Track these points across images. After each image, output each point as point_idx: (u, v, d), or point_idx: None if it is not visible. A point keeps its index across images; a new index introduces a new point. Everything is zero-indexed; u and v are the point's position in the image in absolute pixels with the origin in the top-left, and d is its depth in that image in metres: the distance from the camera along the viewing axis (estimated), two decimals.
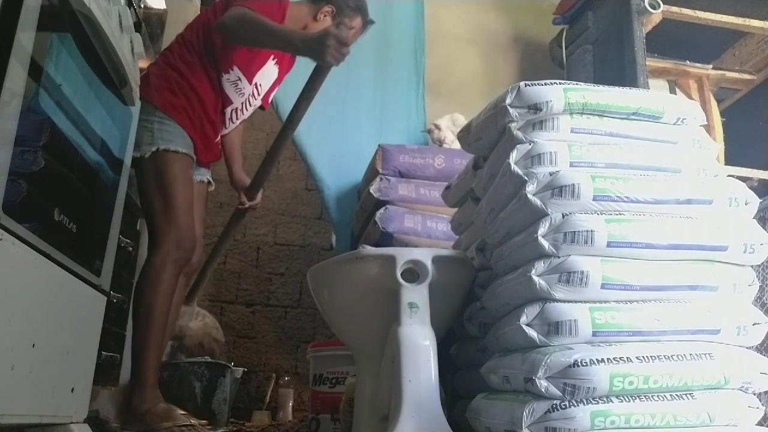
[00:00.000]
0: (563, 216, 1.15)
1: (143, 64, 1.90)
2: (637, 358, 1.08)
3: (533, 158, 1.23)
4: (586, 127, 1.29)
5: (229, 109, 2.02)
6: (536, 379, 1.07)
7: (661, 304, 1.16)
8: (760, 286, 1.29)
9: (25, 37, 1.00)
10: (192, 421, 1.72)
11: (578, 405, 1.05)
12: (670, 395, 1.09)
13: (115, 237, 1.54)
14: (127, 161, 1.66)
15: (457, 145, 2.48)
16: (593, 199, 1.17)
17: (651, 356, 1.09)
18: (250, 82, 2.03)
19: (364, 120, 2.88)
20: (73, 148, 1.26)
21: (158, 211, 1.82)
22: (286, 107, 2.70)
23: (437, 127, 2.76)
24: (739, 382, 1.14)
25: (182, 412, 1.76)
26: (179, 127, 1.85)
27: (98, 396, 1.98)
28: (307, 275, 1.64)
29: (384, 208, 2.24)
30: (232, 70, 1.95)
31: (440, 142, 2.73)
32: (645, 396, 1.08)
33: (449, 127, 2.71)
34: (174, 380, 2.32)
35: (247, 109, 2.09)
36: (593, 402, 1.06)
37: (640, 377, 1.07)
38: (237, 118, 2.08)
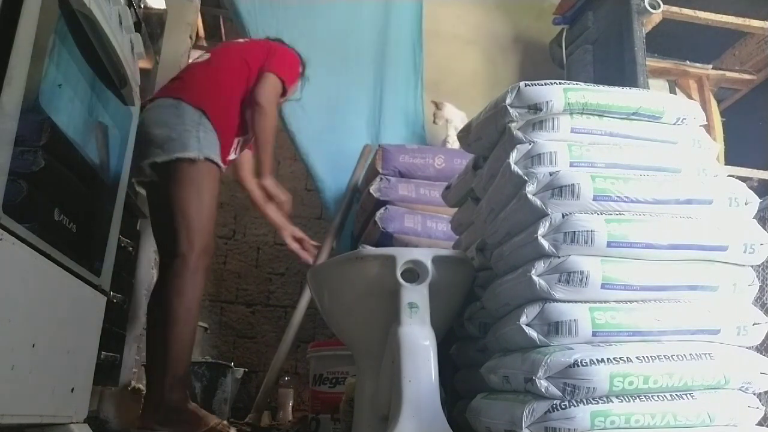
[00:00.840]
0: (563, 216, 1.15)
1: (143, 64, 1.91)
2: (637, 358, 1.08)
3: (533, 158, 1.23)
4: (586, 127, 1.29)
5: (240, 138, 2.10)
6: (536, 379, 1.07)
7: (661, 304, 1.16)
8: (760, 286, 1.29)
9: (25, 37, 1.00)
10: (221, 422, 1.79)
11: (578, 405, 1.05)
12: (670, 395, 1.09)
13: (115, 237, 1.54)
14: (128, 161, 1.66)
15: (458, 145, 2.48)
16: (593, 199, 1.17)
17: (651, 356, 1.09)
18: None
19: (363, 120, 2.89)
20: (73, 148, 1.26)
21: (193, 218, 1.86)
22: (288, 108, 2.71)
23: (438, 106, 2.77)
24: (739, 382, 1.14)
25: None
26: (218, 142, 1.92)
27: (102, 396, 1.99)
28: (307, 275, 1.64)
29: (384, 208, 2.24)
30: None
31: (436, 119, 2.76)
32: (645, 396, 1.08)
33: (454, 121, 2.71)
34: None
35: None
36: (593, 402, 1.06)
37: (640, 377, 1.07)
38: (239, 151, 2.17)
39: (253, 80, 2.04)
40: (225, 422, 1.80)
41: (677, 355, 1.10)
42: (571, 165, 1.23)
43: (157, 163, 1.84)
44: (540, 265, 1.15)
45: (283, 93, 2.11)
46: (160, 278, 1.87)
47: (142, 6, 2.05)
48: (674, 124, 1.36)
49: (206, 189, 1.88)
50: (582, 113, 1.30)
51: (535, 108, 1.27)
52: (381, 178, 2.31)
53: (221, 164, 1.93)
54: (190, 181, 1.86)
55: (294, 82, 2.21)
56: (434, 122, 2.81)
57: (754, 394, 1.18)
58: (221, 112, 1.95)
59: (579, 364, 1.05)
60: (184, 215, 1.85)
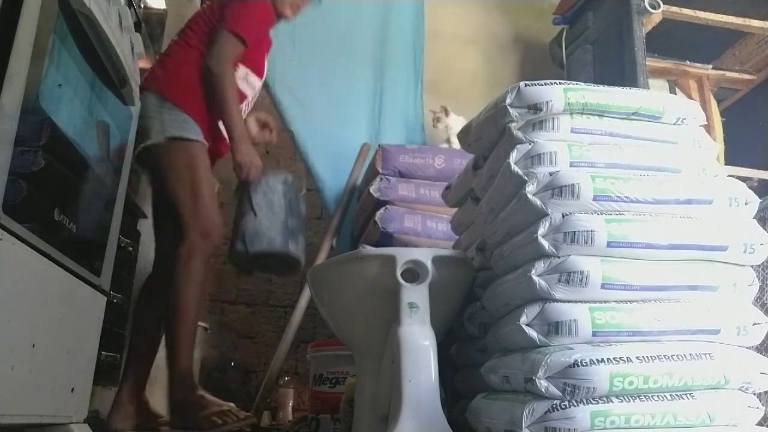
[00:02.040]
0: (563, 216, 1.15)
1: (143, 64, 1.91)
2: (637, 358, 1.07)
3: (533, 158, 1.23)
4: (586, 127, 1.29)
5: (243, 105, 2.04)
6: (536, 379, 1.07)
7: (661, 304, 1.16)
8: (760, 286, 1.29)
9: (25, 37, 1.00)
10: (224, 406, 1.74)
11: (578, 405, 1.05)
12: (670, 395, 1.09)
13: (115, 237, 1.54)
14: (128, 161, 1.66)
15: (458, 145, 2.48)
16: (593, 199, 1.17)
17: (651, 356, 1.08)
18: (261, 77, 2.08)
19: (363, 120, 2.89)
20: (73, 148, 1.26)
21: (182, 202, 1.81)
22: (288, 108, 2.72)
23: (446, 112, 2.76)
24: (739, 382, 1.14)
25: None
26: (188, 116, 1.85)
27: (102, 396, 1.99)
28: (307, 275, 1.64)
29: (384, 208, 2.24)
30: (238, 68, 1.97)
31: (436, 122, 2.75)
32: (645, 396, 1.08)
33: (454, 129, 2.71)
34: None
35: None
36: (593, 402, 1.06)
37: (640, 377, 1.07)
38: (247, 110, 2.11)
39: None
40: (231, 405, 1.76)
41: (677, 355, 1.10)
42: (571, 165, 1.23)
43: (138, 157, 1.81)
44: (540, 265, 1.15)
45: (252, 48, 1.95)
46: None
47: (142, 6, 2.05)
48: (674, 124, 1.36)
49: (184, 168, 1.81)
50: (582, 113, 1.30)
51: (535, 108, 1.27)
52: (381, 178, 2.31)
53: (197, 138, 1.83)
54: (166, 166, 1.82)
55: (260, 30, 2.00)
56: (434, 126, 2.81)
57: (754, 394, 1.17)
58: (181, 89, 1.87)
59: (579, 364, 1.05)
60: (173, 202, 1.82)
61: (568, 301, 1.13)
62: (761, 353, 1.25)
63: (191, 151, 1.84)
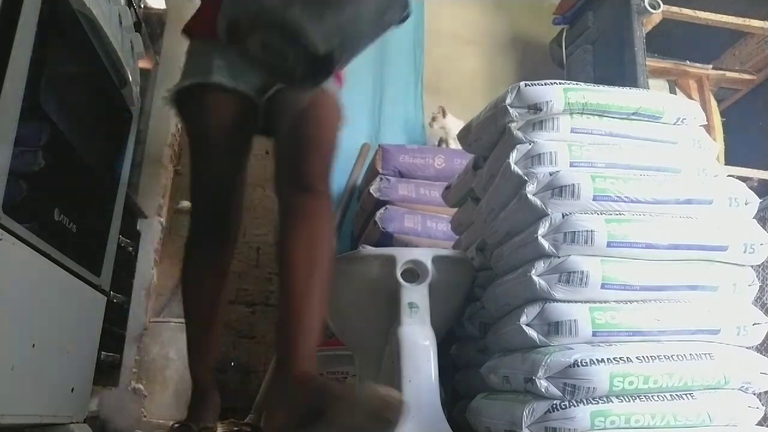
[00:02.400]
0: (563, 216, 1.15)
1: (143, 64, 1.90)
2: (637, 358, 1.08)
3: (533, 158, 1.23)
4: (586, 127, 1.29)
5: None
6: (536, 379, 1.07)
7: (661, 304, 1.16)
8: (760, 286, 1.29)
9: (25, 37, 1.00)
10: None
11: (578, 405, 1.05)
12: (670, 395, 1.09)
13: (115, 237, 1.54)
14: (128, 161, 1.65)
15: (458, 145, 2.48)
16: (593, 199, 1.17)
17: (651, 356, 1.09)
18: None
19: (363, 119, 2.88)
20: (73, 148, 1.26)
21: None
22: None
23: (443, 113, 2.75)
24: (739, 382, 1.14)
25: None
26: (196, 41, 1.46)
27: (102, 396, 1.99)
28: None
29: (384, 208, 2.24)
30: None
31: (432, 121, 2.73)
32: (645, 396, 1.08)
33: (452, 131, 2.71)
34: None
35: None
36: (593, 402, 1.06)
37: (640, 377, 1.07)
38: None
39: None
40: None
41: (677, 355, 1.10)
42: (571, 165, 1.23)
43: None
44: (540, 265, 1.15)
45: None
46: None
47: (142, 6, 2.05)
48: (674, 124, 1.36)
49: (185, 126, 1.44)
50: (582, 113, 1.30)
51: (535, 108, 1.27)
52: (381, 178, 2.31)
53: (198, 81, 1.35)
54: (186, 132, 1.45)
55: None
56: (430, 125, 2.81)
57: (754, 394, 1.18)
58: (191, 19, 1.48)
59: (579, 364, 1.05)
60: None
61: (568, 301, 1.13)
62: (761, 353, 1.26)
63: (189, 105, 1.43)
